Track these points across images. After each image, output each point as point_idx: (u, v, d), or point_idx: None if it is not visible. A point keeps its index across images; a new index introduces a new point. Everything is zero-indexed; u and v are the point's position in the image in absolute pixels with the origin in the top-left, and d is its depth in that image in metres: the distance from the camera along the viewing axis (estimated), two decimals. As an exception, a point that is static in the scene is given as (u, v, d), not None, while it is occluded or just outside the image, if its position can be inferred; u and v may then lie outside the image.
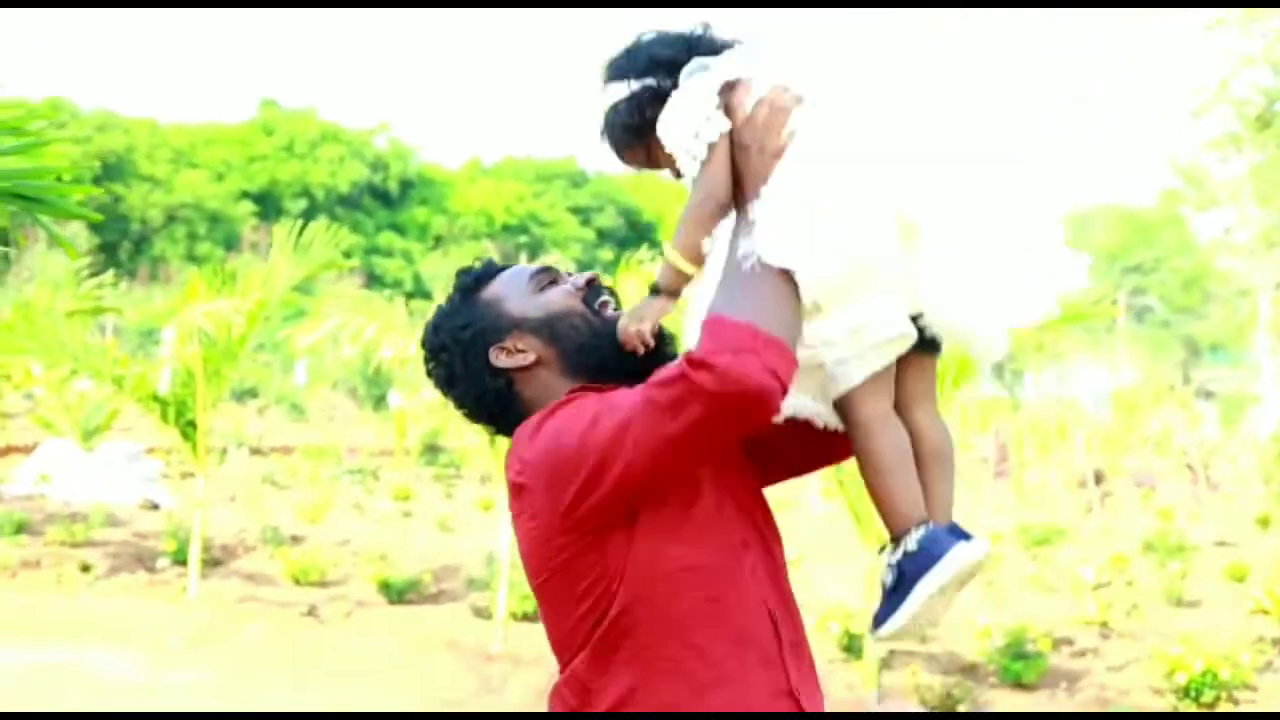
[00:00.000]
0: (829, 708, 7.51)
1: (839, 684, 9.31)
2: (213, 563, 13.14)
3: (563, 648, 2.59)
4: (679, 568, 2.49)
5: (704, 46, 2.58)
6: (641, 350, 2.58)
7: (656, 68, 2.58)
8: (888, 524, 2.55)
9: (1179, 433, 29.05)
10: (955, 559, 2.50)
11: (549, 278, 2.75)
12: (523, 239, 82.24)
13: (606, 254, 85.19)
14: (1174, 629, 11.27)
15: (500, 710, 8.82)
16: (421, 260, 78.64)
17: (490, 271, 2.80)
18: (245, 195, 77.39)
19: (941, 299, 2.47)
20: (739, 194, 2.50)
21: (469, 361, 2.71)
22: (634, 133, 2.61)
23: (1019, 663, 9.68)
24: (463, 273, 2.81)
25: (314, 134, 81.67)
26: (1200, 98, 23.18)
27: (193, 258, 68.86)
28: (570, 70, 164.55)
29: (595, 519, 2.46)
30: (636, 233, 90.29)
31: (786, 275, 2.38)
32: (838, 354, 2.51)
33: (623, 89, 2.61)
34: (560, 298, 2.72)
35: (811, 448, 2.81)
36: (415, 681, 9.25)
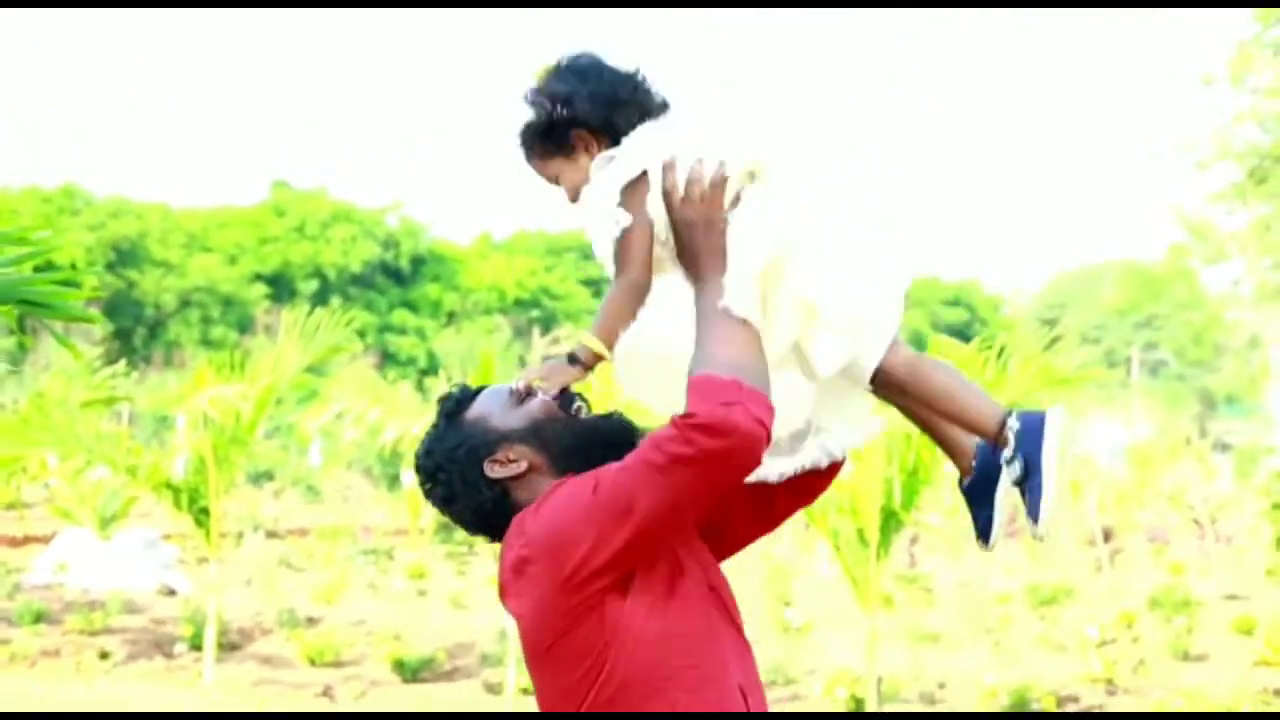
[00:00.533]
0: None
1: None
2: (229, 646, 13.31)
3: (559, 709, 2.79)
4: (665, 635, 2.71)
5: (621, 103, 2.86)
6: (523, 394, 2.86)
7: (577, 101, 2.87)
8: (980, 432, 2.83)
9: (1193, 486, 29.09)
10: (1054, 419, 2.78)
11: (525, 392, 2.94)
12: (535, 313, 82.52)
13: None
14: (1180, 683, 11.38)
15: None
16: (435, 337, 78.85)
17: (469, 395, 2.99)
18: (258, 277, 77.72)
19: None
20: (691, 265, 2.76)
21: (466, 478, 2.90)
22: (531, 145, 2.94)
23: (1025, 721, 9.82)
24: (444, 399, 3.00)
25: (325, 214, 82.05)
26: (1202, 152, 23.46)
27: (207, 341, 69.19)
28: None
29: (599, 581, 2.67)
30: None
31: (754, 332, 2.65)
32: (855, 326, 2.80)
33: (537, 102, 2.90)
34: (540, 407, 2.90)
35: (763, 511, 3.08)
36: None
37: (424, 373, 66.21)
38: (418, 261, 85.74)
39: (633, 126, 2.87)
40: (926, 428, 3.01)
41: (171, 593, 17.57)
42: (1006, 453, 2.81)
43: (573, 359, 2.84)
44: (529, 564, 2.73)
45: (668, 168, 2.74)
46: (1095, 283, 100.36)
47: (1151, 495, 31.27)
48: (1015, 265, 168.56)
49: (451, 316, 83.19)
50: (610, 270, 2.82)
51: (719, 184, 2.71)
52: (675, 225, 2.75)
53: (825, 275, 2.73)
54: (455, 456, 2.90)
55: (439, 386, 11.76)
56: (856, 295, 2.79)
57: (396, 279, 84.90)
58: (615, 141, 2.87)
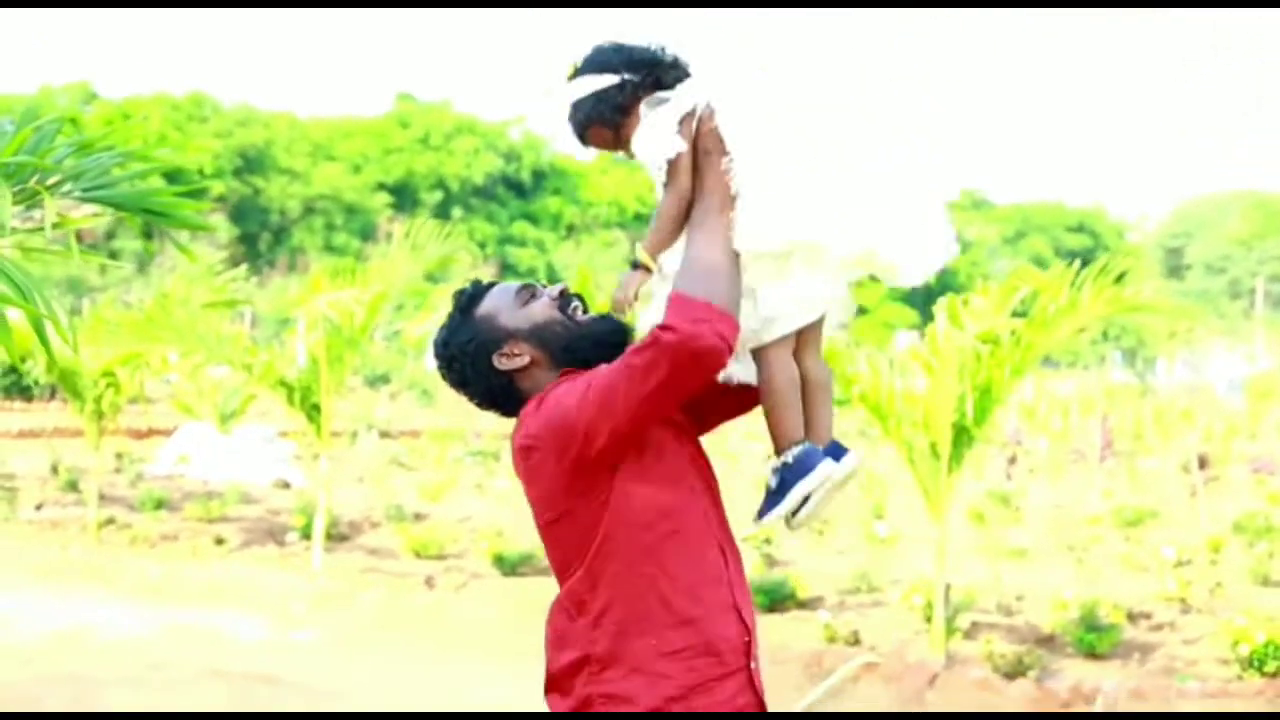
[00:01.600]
0: (910, 673, 8.17)
1: (920, 652, 9.83)
2: (339, 537, 13.93)
3: (562, 570, 3.29)
4: (649, 506, 3.21)
5: (664, 64, 3.29)
6: (627, 310, 3.27)
7: (634, 68, 3.28)
8: (776, 442, 3.28)
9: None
10: (822, 471, 3.23)
11: (529, 293, 3.42)
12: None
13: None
14: (1256, 606, 11.61)
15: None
16: (554, 250, 79.44)
17: (480, 291, 3.46)
18: (381, 187, 78.65)
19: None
20: (699, 190, 3.19)
21: (476, 367, 3.39)
22: (609, 117, 3.29)
23: (1092, 634, 10.12)
24: (458, 294, 3.47)
25: (449, 126, 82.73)
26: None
27: (330, 248, 70.23)
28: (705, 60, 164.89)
29: (592, 468, 3.16)
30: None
31: (735, 264, 3.10)
32: (771, 313, 3.20)
33: (600, 81, 3.29)
34: (542, 309, 3.38)
35: (730, 402, 3.49)
36: (520, 646, 9.90)
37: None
38: (539, 175, 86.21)
39: (667, 81, 3.28)
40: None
41: (286, 486, 18.31)
42: (775, 464, 3.30)
43: (634, 266, 3.26)
44: (533, 452, 3.22)
45: (702, 115, 3.18)
46: (1221, 212, 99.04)
47: (1265, 427, 31.26)
48: (1142, 192, 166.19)
49: (571, 229, 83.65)
50: (660, 189, 3.23)
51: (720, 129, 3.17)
52: (699, 152, 3.18)
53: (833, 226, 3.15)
54: (467, 349, 3.38)
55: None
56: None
57: (518, 192, 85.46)
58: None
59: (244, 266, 15.14)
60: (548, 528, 3.31)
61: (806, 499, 3.25)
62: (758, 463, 21.48)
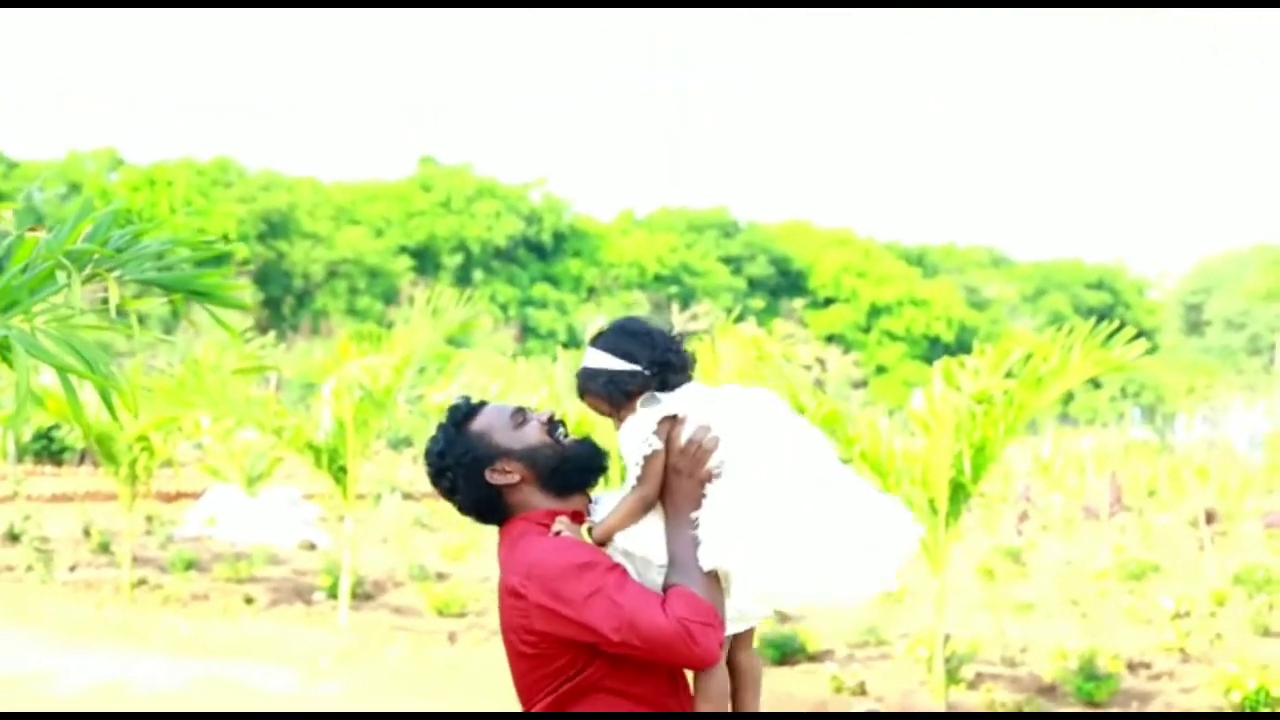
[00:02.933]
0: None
1: (923, 701, 10.21)
2: (364, 597, 14.35)
3: (529, 694, 3.68)
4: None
5: (675, 366, 3.69)
6: (520, 420, 3.71)
7: (650, 364, 3.66)
8: None
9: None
10: None
11: (522, 417, 3.75)
12: (674, 289, 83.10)
13: (758, 302, 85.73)
14: (1254, 656, 11.94)
15: None
16: (575, 311, 79.79)
17: (474, 408, 3.79)
18: (404, 250, 79.22)
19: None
20: (668, 501, 3.61)
21: (469, 479, 3.72)
22: (607, 398, 3.69)
23: (1091, 683, 10.49)
24: (454, 409, 3.80)
25: (470, 190, 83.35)
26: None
27: (353, 311, 70.73)
28: (723, 123, 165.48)
29: (580, 649, 3.55)
30: (788, 280, 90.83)
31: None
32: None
33: (619, 364, 3.66)
34: (533, 432, 3.71)
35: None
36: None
37: (564, 346, 67.10)
38: (560, 237, 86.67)
39: (671, 383, 3.69)
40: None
41: (312, 547, 18.72)
42: None
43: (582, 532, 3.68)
44: (522, 599, 3.56)
45: (680, 422, 3.62)
46: (1241, 268, 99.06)
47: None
48: (1162, 249, 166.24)
49: (592, 291, 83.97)
50: (632, 479, 3.63)
51: (706, 453, 3.57)
52: (669, 467, 3.61)
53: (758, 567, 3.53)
54: (463, 460, 3.70)
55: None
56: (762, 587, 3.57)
57: (539, 254, 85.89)
58: (660, 388, 3.71)
59: (271, 332, 15.58)
60: (518, 655, 3.66)
61: None
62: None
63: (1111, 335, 9.25)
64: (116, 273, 4.52)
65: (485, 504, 3.74)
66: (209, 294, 4.79)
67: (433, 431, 3.82)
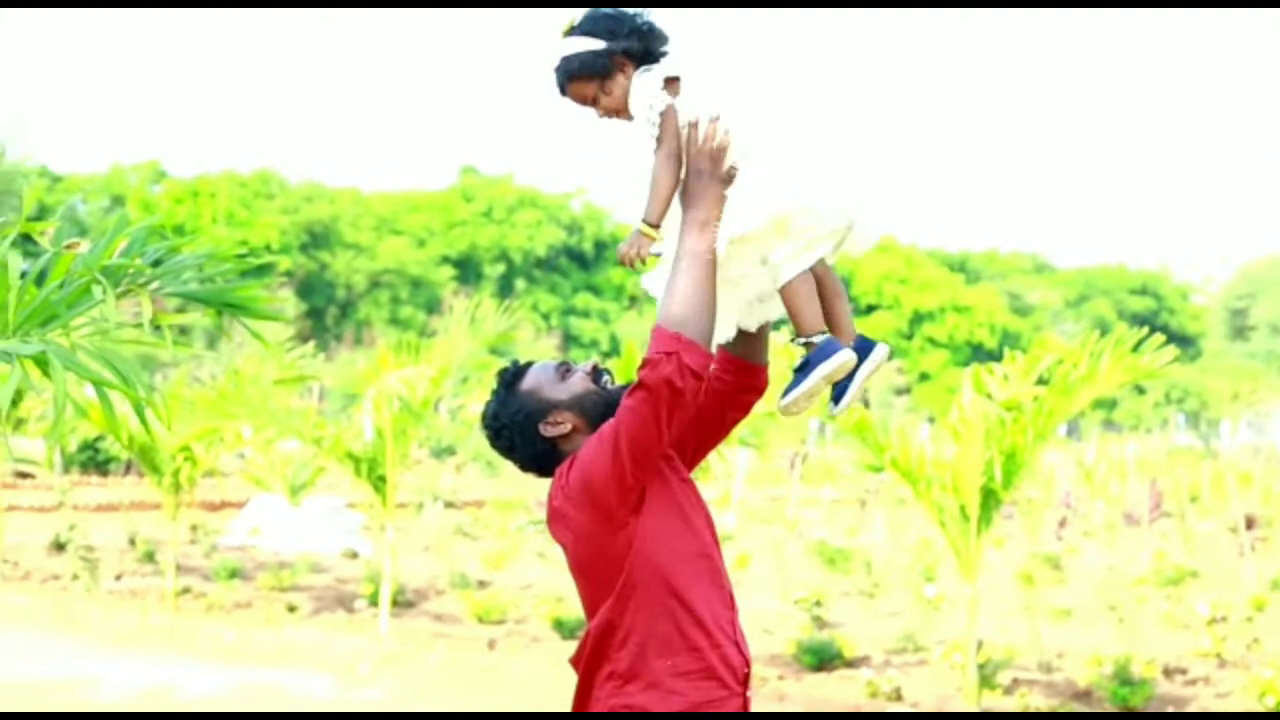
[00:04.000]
0: None
1: (957, 706, 10.28)
2: (405, 604, 14.49)
3: (592, 602, 3.86)
4: (666, 545, 3.80)
5: (653, 36, 3.82)
6: (637, 264, 3.80)
7: (626, 35, 3.80)
8: (801, 329, 3.76)
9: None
10: (841, 357, 3.74)
11: (566, 369, 4.00)
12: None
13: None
14: (1290, 662, 11.96)
15: None
16: (617, 320, 79.92)
17: (521, 369, 4.02)
18: (446, 260, 79.51)
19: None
20: (688, 203, 3.73)
21: (524, 435, 3.95)
22: (597, 73, 3.80)
23: (1126, 688, 10.54)
24: (503, 372, 4.03)
25: (512, 199, 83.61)
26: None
27: (395, 321, 71.07)
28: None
29: (616, 511, 3.74)
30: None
31: (710, 287, 3.66)
32: (781, 261, 3.73)
33: (594, 43, 3.80)
34: (579, 382, 3.94)
35: (731, 397, 4.11)
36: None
37: (606, 354, 67.40)
38: (601, 246, 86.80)
39: (655, 51, 3.82)
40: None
41: (355, 555, 18.89)
42: (800, 347, 3.81)
43: (643, 230, 3.77)
44: (569, 506, 3.80)
45: (694, 123, 3.73)
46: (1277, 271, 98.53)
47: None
48: (1206, 254, 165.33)
49: (633, 300, 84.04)
50: (653, 143, 3.76)
51: (723, 149, 3.72)
52: (688, 167, 3.74)
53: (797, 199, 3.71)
54: (516, 419, 3.94)
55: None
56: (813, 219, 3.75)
57: (580, 263, 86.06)
58: (643, 63, 3.84)
59: (312, 343, 15.74)
60: (582, 570, 3.88)
61: (839, 386, 3.81)
62: (813, 527, 21.94)
63: (1141, 342, 9.31)
64: (153, 286, 4.65)
65: (543, 457, 3.97)
66: (243, 307, 4.92)
67: (486, 407, 4.03)
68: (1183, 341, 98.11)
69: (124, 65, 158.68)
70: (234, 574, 15.79)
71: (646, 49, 3.81)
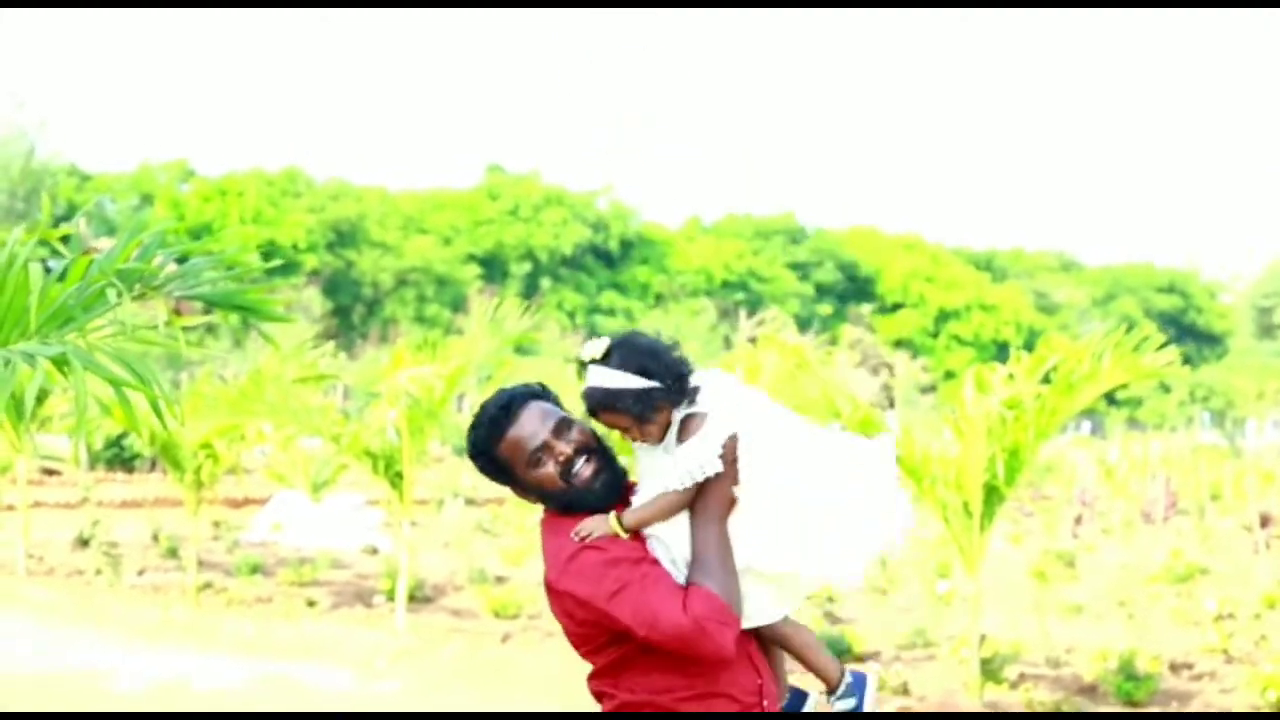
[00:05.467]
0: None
1: (964, 702, 10.42)
2: (423, 599, 14.68)
3: (591, 657, 4.03)
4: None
5: (686, 370, 3.93)
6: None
7: (671, 377, 3.90)
8: (827, 678, 4.05)
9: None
10: (870, 679, 4.09)
11: (538, 458, 3.95)
12: (741, 295, 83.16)
13: (825, 308, 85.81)
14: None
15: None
16: (643, 318, 79.90)
17: (509, 418, 4.01)
18: (472, 258, 79.73)
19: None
20: (698, 501, 3.87)
21: (494, 478, 4.10)
22: (636, 415, 3.88)
23: (1130, 683, 10.66)
24: (497, 414, 4.03)
25: (537, 198, 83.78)
26: None
27: (421, 319, 71.31)
28: (790, 128, 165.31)
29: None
30: (856, 286, 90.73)
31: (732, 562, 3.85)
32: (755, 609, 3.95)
33: (641, 381, 3.85)
34: (547, 476, 3.95)
35: None
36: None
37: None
38: (627, 244, 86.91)
39: (690, 389, 3.93)
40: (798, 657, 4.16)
41: (375, 551, 19.09)
42: (841, 691, 4.03)
43: (613, 526, 3.91)
44: (559, 593, 3.91)
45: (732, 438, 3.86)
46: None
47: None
48: (1234, 252, 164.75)
49: (659, 298, 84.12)
50: (675, 482, 3.84)
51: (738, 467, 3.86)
52: (706, 485, 3.86)
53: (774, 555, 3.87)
54: (487, 469, 4.08)
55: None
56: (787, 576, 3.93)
57: (606, 261, 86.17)
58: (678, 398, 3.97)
59: (333, 343, 15.93)
60: (572, 634, 4.01)
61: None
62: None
63: (1143, 342, 9.44)
64: (168, 288, 4.84)
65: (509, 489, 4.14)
66: (252, 309, 5.10)
67: (474, 418, 4.07)
68: (1210, 340, 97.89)
69: (153, 64, 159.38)
70: (255, 569, 16.00)
71: (681, 390, 3.90)
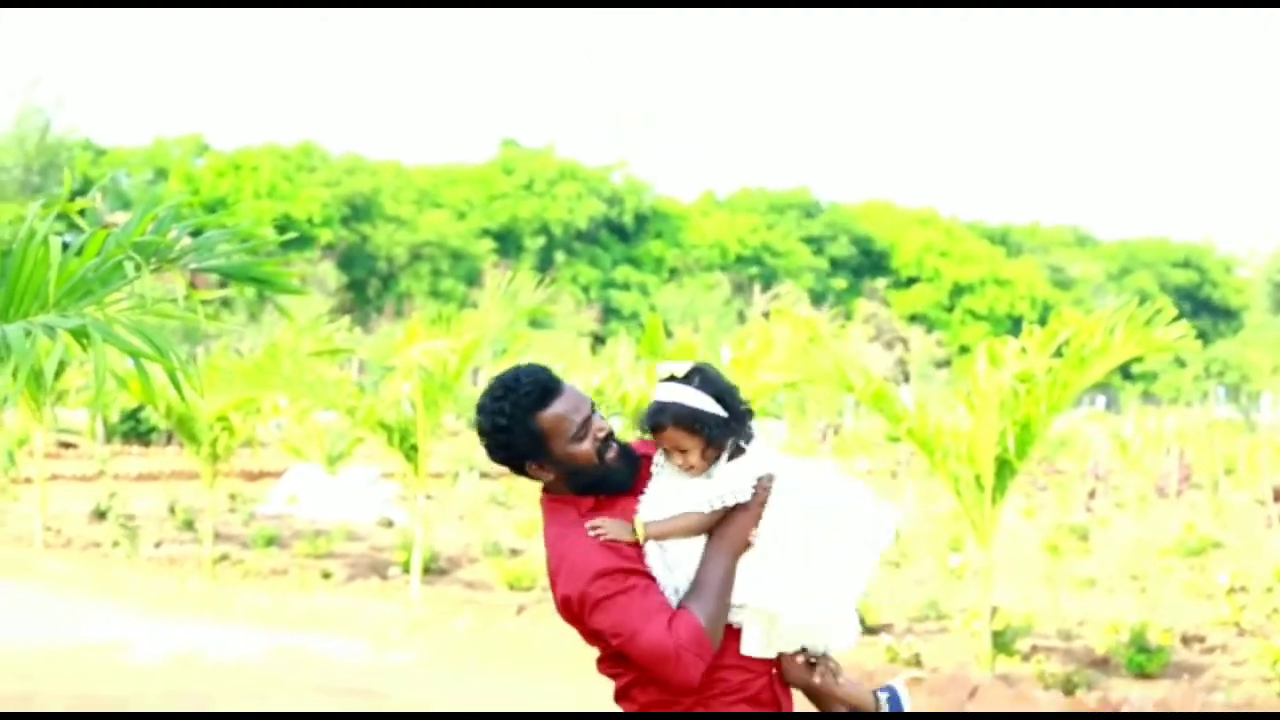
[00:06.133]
0: (954, 686, 8.87)
1: (975, 673, 10.47)
2: (438, 571, 14.74)
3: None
4: None
5: (749, 415, 4.06)
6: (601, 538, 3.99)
7: (739, 417, 4.00)
8: (863, 705, 4.10)
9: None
10: (902, 689, 4.18)
11: (584, 433, 3.95)
12: (755, 269, 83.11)
13: (840, 282, 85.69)
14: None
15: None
16: (657, 292, 79.94)
17: (552, 390, 4.00)
18: (486, 233, 79.71)
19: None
20: (716, 529, 3.94)
21: (509, 455, 4.02)
22: (707, 439, 3.95)
23: (1142, 655, 10.70)
24: (531, 389, 3.98)
25: (552, 172, 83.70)
26: None
27: (436, 293, 71.28)
28: (805, 102, 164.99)
29: None
30: (870, 261, 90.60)
31: (729, 592, 3.90)
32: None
33: (718, 408, 3.95)
34: (584, 451, 3.95)
35: None
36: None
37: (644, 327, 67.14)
38: (641, 219, 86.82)
39: (749, 434, 4.04)
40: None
41: (390, 524, 19.17)
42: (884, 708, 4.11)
43: (637, 531, 3.96)
44: (555, 588, 3.96)
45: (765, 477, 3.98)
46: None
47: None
48: (1250, 226, 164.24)
49: (673, 272, 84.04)
50: (704, 504, 3.92)
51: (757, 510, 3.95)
52: (731, 517, 3.95)
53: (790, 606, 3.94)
54: (513, 441, 3.98)
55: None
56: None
57: (620, 235, 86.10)
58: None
59: (348, 316, 15.99)
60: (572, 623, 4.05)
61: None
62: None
63: (1155, 316, 9.47)
64: (183, 261, 4.89)
65: (513, 468, 4.06)
66: (265, 281, 5.15)
67: (499, 390, 4.00)
68: (1225, 314, 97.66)
69: (167, 39, 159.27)
70: (271, 541, 16.08)
71: (742, 432, 4.01)
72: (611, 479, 4.00)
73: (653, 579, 3.89)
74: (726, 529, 3.91)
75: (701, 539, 3.94)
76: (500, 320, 12.96)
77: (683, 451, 3.95)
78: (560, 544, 3.97)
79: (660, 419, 3.95)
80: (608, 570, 3.85)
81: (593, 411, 4.03)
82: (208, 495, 15.02)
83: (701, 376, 3.99)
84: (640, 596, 3.84)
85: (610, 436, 4.02)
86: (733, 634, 3.94)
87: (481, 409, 4.04)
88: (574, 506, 4.00)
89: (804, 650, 4.00)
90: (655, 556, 3.93)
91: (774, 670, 4.03)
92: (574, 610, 3.91)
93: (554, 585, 3.98)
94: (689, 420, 3.92)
